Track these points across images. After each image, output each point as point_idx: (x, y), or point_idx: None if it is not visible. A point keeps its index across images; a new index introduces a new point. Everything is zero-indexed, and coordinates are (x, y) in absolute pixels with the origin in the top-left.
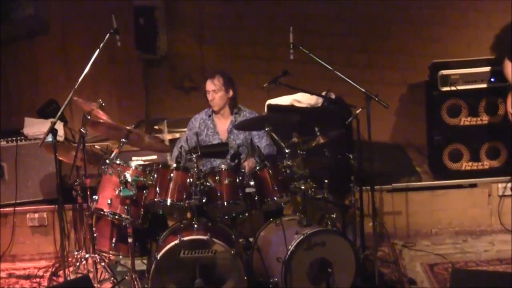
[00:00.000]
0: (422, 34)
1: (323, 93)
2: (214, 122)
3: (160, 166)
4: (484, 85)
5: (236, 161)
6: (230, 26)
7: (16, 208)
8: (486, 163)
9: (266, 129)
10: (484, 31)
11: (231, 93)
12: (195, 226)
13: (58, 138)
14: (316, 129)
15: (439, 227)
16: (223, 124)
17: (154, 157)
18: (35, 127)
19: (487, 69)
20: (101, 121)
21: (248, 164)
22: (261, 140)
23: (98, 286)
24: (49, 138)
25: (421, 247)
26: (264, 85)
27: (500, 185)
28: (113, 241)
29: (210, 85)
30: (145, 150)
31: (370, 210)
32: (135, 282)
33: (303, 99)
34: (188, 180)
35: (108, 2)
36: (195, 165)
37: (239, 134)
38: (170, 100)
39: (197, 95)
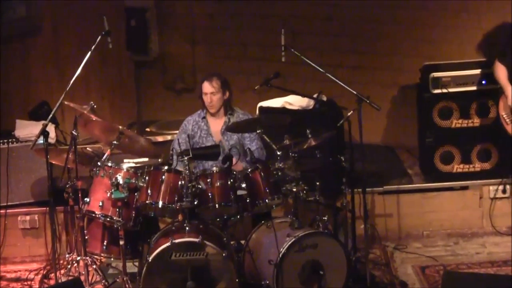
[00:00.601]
0: (413, 35)
1: (315, 95)
2: (208, 124)
3: (152, 168)
4: (475, 88)
5: (228, 163)
6: (221, 26)
7: (7, 210)
8: (478, 166)
9: (257, 131)
10: (475, 32)
11: (227, 94)
12: (187, 228)
13: (49, 140)
14: (308, 131)
15: (431, 229)
16: (216, 125)
17: (146, 159)
18: (27, 129)
19: (479, 71)
20: (94, 119)
21: (237, 167)
22: (252, 143)
23: None
24: (41, 140)
25: (412, 249)
26: (256, 87)
27: (491, 187)
28: (105, 243)
29: (208, 87)
30: (136, 154)
31: (361, 212)
32: (127, 285)
33: (294, 101)
34: (179, 182)
35: (100, 3)
36: (187, 167)
37: (232, 135)
38: (161, 101)
39: (188, 96)
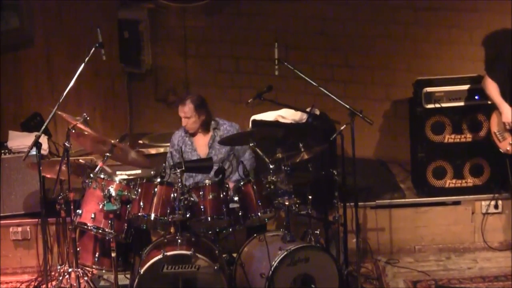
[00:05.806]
0: (405, 50)
1: (308, 109)
2: (192, 139)
3: (144, 180)
4: (468, 103)
5: (220, 176)
6: (214, 40)
7: None
8: (470, 181)
9: (250, 144)
10: (467, 47)
11: (203, 116)
12: (179, 241)
13: (42, 151)
14: (300, 144)
15: (422, 244)
16: (201, 140)
17: (139, 171)
18: (19, 141)
19: (471, 86)
20: (86, 133)
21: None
22: (244, 154)
23: None
24: (34, 152)
25: (404, 264)
26: (249, 101)
27: (483, 202)
28: (96, 255)
29: (181, 112)
30: (129, 165)
31: (353, 226)
32: None
33: (287, 115)
34: (172, 195)
35: (92, 15)
36: (179, 180)
37: (221, 149)
38: (153, 113)
39: None
